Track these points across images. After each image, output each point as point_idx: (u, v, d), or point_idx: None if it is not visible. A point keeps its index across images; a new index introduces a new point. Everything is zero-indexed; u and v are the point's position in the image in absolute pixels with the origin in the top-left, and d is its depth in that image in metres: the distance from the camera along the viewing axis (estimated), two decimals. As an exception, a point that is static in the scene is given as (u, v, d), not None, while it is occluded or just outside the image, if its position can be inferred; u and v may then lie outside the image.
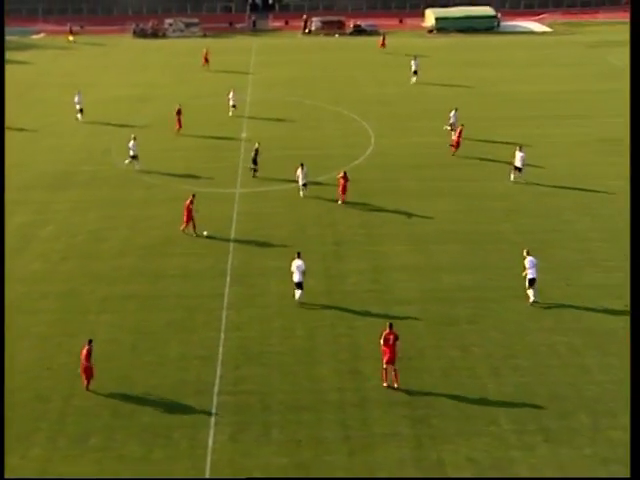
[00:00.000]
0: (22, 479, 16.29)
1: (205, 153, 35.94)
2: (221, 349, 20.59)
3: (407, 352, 20.26)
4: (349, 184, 29.63)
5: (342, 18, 70.95)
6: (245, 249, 26.19)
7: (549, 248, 25.99)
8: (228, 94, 41.86)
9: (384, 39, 61.11)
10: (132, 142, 33.21)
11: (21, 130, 38.79)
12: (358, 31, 69.03)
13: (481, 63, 55.36)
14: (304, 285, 22.59)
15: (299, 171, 29.86)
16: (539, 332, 21.38)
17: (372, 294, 23.37)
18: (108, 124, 40.38)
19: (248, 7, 77.69)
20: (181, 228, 27.13)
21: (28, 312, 22.39)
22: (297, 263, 22.56)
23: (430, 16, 70.89)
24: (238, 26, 71.76)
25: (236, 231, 27.49)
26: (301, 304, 22.65)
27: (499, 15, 71.49)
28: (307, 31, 69.48)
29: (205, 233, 26.90)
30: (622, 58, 55.93)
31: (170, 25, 68.94)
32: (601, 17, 73.91)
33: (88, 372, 18.84)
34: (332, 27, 69.50)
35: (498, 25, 70.83)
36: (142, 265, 25.16)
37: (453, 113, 37.48)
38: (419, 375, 19.41)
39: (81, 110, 40.54)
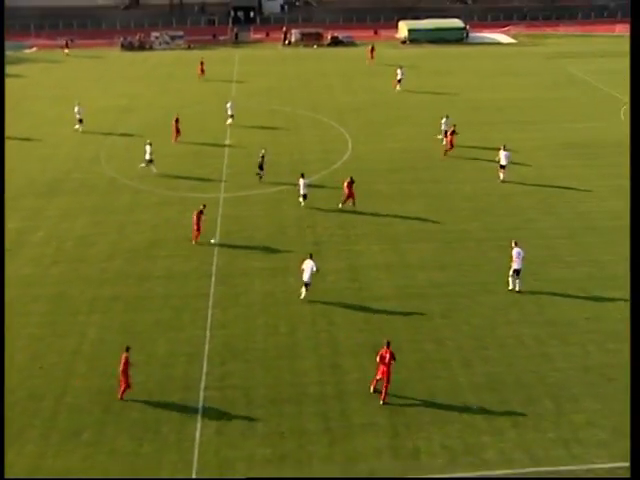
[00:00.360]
0: (23, 479, 15.99)
1: (190, 159, 35.65)
2: (207, 346, 20.45)
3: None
4: (354, 189, 28.97)
5: (320, 30, 70.82)
6: (229, 250, 26.03)
7: (516, 245, 26.25)
8: (226, 104, 41.39)
9: (372, 50, 59.61)
10: (148, 147, 33.16)
11: (13, 139, 38.17)
12: (335, 42, 68.99)
13: (451, 72, 55.63)
14: (310, 285, 22.61)
15: (300, 181, 29.22)
16: (507, 325, 21.56)
17: (350, 291, 23.37)
18: (96, 133, 39.90)
19: (230, 20, 77.34)
20: (194, 241, 26.27)
21: (20, 314, 22.06)
22: (308, 263, 22.43)
23: (403, 28, 71.08)
24: (221, 38, 71.35)
25: (220, 233, 27.30)
26: (284, 302, 22.62)
27: (468, 27, 71.81)
28: (287, 42, 69.31)
29: (213, 241, 26.47)
30: (580, 68, 56.86)
31: (156, 38, 68.36)
32: (561, 30, 74.70)
33: (126, 379, 18.04)
34: (311, 38, 69.40)
35: (467, 36, 71.12)
36: (129, 268, 24.89)
37: (444, 120, 37.18)
38: (396, 368, 19.36)
39: (80, 120, 40.01)
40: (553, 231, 27.53)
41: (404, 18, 73.40)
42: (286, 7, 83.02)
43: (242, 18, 79.31)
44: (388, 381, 18.17)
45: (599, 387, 18.81)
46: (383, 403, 18.14)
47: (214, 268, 24.78)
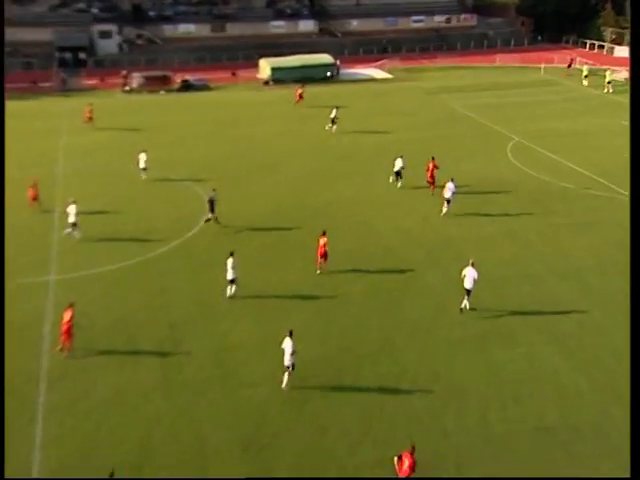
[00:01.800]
0: (22, 479, 17.81)
1: (8, 237, 34.62)
2: (35, 471, 19.87)
3: (260, 440, 20.89)
4: (327, 247, 30.39)
5: (168, 73, 72.19)
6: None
7: (396, 303, 28.02)
8: (138, 155, 42.34)
9: (302, 92, 62.33)
10: (72, 206, 33.40)
11: None
12: (186, 87, 70.49)
13: (321, 114, 58.71)
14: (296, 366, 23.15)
15: (230, 262, 28.57)
16: (396, 398, 22.86)
17: (215, 380, 23.77)
18: None
19: (55, 63, 76.91)
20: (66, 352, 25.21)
21: None
22: (287, 343, 22.79)
23: (265, 67, 74.05)
24: (43, 85, 70.57)
25: (52, 326, 26.51)
26: (135, 401, 22.61)
27: (338, 62, 76.35)
28: (128, 89, 69.92)
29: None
30: (462, 103, 62.40)
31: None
32: (440, 62, 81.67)
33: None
34: (157, 83, 70.37)
35: (337, 73, 75.60)
36: None
37: (400, 161, 40.46)
38: (273, 463, 20.00)
39: None
40: (441, 288, 29.76)
41: (265, 55, 76.52)
42: (125, 46, 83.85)
43: (70, 60, 79.17)
44: None
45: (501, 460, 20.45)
46: None
47: (42, 371, 24.19)
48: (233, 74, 76.23)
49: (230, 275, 28.50)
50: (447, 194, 36.74)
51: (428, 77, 75.31)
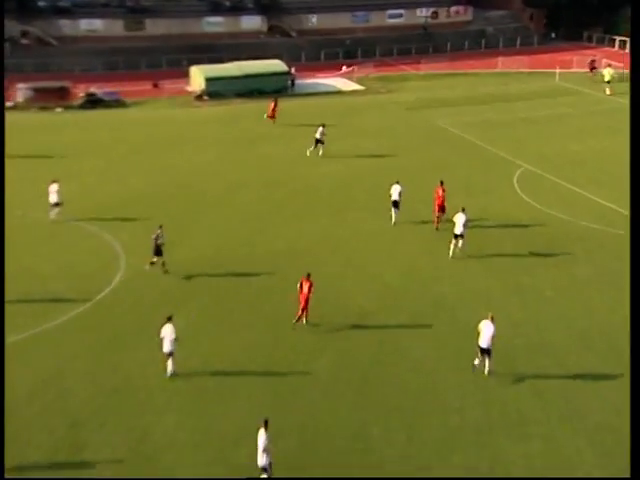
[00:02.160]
0: (22, 479, 16.47)
1: None
2: None
3: None
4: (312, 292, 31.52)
5: (66, 84, 72.63)
6: None
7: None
8: (48, 186, 42.82)
9: (275, 106, 63.61)
10: None
11: None
12: (93, 102, 71.06)
13: (271, 138, 59.47)
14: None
15: (167, 330, 28.86)
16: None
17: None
18: None
19: None
20: None
21: None
22: (261, 438, 22.87)
23: (198, 76, 75.14)
24: None
25: None
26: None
27: (294, 70, 77.63)
28: (10, 104, 69.52)
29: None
30: (454, 121, 63.58)
31: None
32: (424, 68, 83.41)
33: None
34: (52, 97, 70.75)
35: (293, 84, 76.70)
36: None
37: (398, 190, 41.89)
38: None
39: None
40: (430, 362, 30.05)
41: (198, 62, 77.36)
42: (6, 46, 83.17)
43: None
44: None
45: None
46: None
47: None
48: (155, 86, 76.94)
49: (167, 347, 28.70)
50: (458, 229, 37.62)
51: (410, 88, 76.67)
